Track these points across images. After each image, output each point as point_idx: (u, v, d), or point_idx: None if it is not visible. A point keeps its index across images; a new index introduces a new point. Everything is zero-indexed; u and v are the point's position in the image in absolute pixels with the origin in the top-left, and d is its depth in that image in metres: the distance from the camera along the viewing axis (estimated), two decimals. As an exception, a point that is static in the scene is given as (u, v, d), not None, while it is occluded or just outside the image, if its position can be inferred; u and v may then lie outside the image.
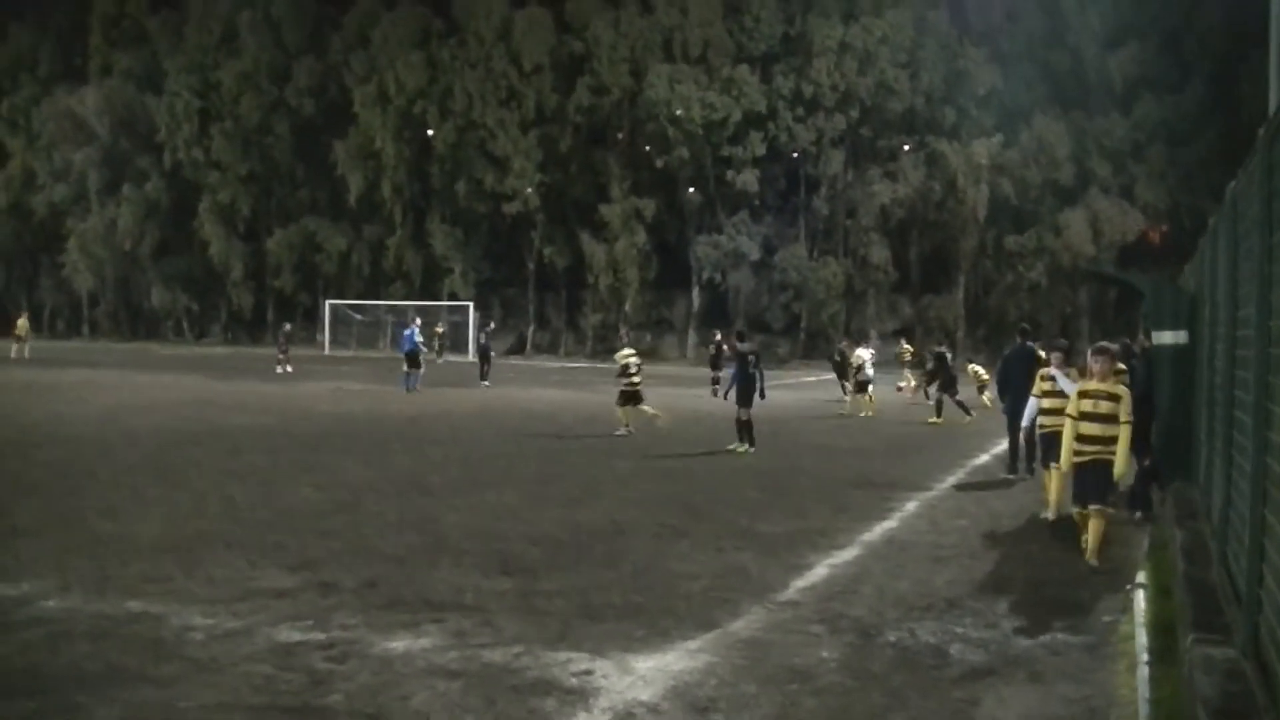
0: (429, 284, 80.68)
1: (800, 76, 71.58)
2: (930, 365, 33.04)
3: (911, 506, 15.86)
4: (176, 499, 14.72)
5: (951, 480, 18.83)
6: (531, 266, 79.99)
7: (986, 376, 40.78)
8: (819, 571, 11.39)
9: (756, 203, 73.74)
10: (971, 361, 45.23)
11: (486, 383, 42.88)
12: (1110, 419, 11.48)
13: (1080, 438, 11.53)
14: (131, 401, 30.71)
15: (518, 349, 77.15)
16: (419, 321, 42.81)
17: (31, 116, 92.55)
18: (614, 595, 10.15)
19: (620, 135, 76.13)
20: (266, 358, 60.55)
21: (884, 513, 15.13)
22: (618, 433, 24.95)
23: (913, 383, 41.64)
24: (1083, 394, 11.66)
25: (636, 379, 25.48)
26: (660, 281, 76.41)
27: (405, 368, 38.93)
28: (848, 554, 12.30)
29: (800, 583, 10.85)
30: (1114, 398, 11.53)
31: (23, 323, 57.86)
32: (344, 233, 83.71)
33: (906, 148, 71.11)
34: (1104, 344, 12.09)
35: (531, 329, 79.74)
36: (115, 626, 8.80)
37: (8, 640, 8.35)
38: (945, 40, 70.58)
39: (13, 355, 53.45)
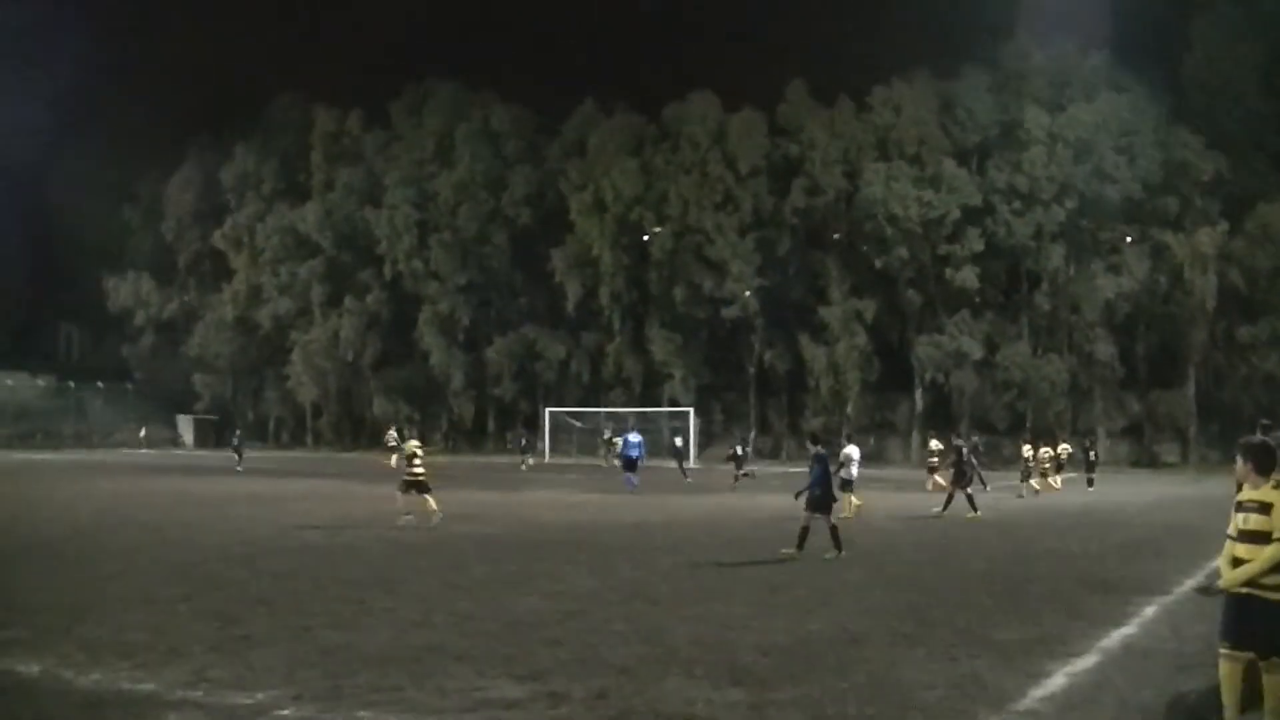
0: (649, 390, 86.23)
1: (1014, 169, 75.57)
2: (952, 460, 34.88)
3: (1150, 611, 15.92)
4: (402, 610, 15.42)
5: (1190, 583, 18.42)
6: (752, 371, 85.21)
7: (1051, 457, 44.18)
8: (1057, 680, 11.53)
9: (977, 300, 77.98)
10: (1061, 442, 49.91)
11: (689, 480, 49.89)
12: (1260, 537, 9.14)
13: (1235, 561, 9.29)
14: (354, 513, 32.04)
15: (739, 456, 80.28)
16: (634, 430, 49.74)
17: (256, 233, 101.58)
18: (848, 705, 10.36)
19: (837, 236, 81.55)
20: (488, 466, 66.06)
21: (1122, 618, 15.22)
22: (399, 522, 27.18)
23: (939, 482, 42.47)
24: (1237, 505, 9.43)
25: (420, 470, 28.20)
26: (882, 383, 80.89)
27: (623, 469, 44.71)
28: (1086, 661, 12.42)
29: (1038, 692, 11.02)
30: (1264, 508, 9.21)
31: (393, 433, 67.03)
32: (562, 340, 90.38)
33: (1129, 239, 74.39)
34: (1251, 439, 10.13)
35: (753, 434, 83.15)
36: (348, 737, 9.53)
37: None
38: (1158, 124, 73.72)
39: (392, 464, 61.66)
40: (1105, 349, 73.96)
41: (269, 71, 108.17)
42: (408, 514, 27.64)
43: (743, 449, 51.87)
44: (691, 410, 78.05)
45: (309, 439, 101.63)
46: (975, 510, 32.28)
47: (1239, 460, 9.53)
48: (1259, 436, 10.42)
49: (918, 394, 79.56)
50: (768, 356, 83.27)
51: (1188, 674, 11.52)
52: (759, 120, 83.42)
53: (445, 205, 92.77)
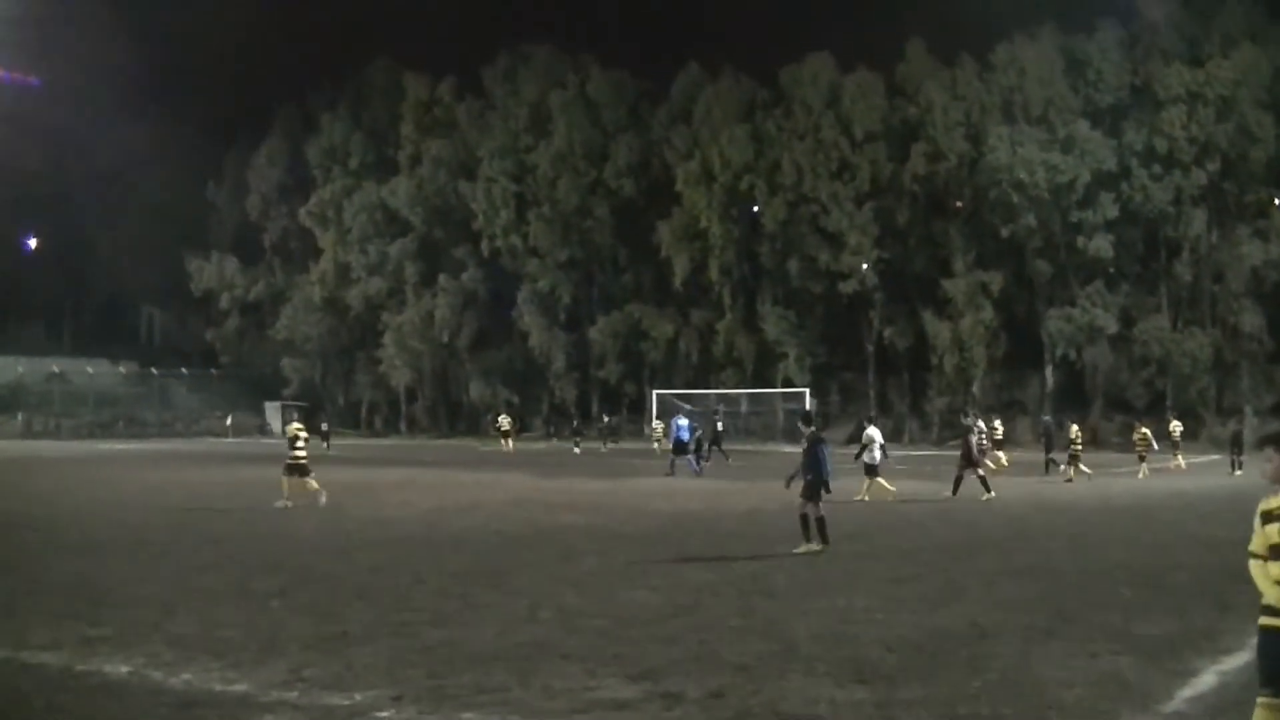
0: (761, 370, 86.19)
1: (1150, 130, 74.54)
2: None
3: (1308, 603, 15.77)
4: (508, 605, 15.49)
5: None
6: (871, 348, 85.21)
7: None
8: (1206, 679, 11.36)
9: (1111, 271, 77.41)
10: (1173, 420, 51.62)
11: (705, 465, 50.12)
12: None
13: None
14: (454, 502, 32.88)
15: (858, 436, 79.76)
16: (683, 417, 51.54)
17: (343, 210, 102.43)
18: (980, 705, 10.30)
19: (960, 204, 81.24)
20: (592, 452, 67.74)
21: (1275, 612, 15.30)
22: (276, 504, 29.24)
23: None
24: (1266, 516, 8.30)
25: (302, 453, 30.35)
26: (1010, 360, 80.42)
27: (674, 456, 46.65)
28: (1238, 659, 11.94)
29: (1186, 692, 10.88)
30: None
31: (505, 418, 71.56)
32: (670, 318, 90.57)
33: (1277, 202, 73.79)
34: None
35: (872, 415, 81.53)
36: (451, 740, 9.75)
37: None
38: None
39: (508, 448, 66.31)
40: (1252, 320, 72.83)
41: (356, 38, 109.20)
42: (287, 500, 29.57)
43: (720, 425, 55.49)
44: (808, 390, 78.21)
45: (403, 425, 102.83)
46: (990, 491, 32.54)
47: (1269, 453, 8.09)
48: None
49: (1048, 371, 79.03)
50: (888, 333, 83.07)
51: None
52: (875, 81, 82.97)
53: (544, 178, 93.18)
